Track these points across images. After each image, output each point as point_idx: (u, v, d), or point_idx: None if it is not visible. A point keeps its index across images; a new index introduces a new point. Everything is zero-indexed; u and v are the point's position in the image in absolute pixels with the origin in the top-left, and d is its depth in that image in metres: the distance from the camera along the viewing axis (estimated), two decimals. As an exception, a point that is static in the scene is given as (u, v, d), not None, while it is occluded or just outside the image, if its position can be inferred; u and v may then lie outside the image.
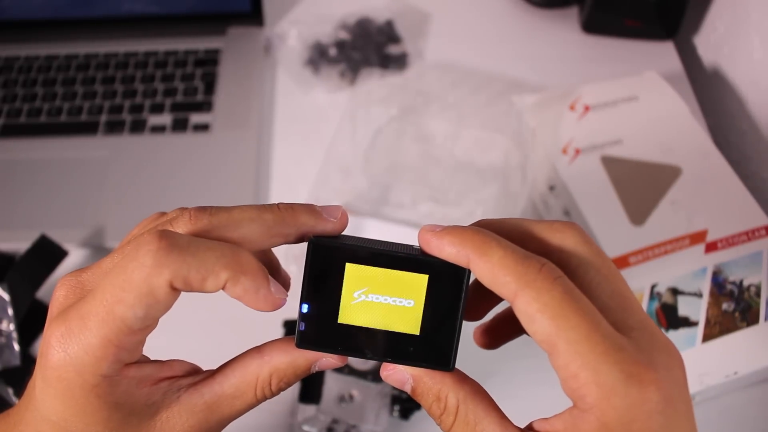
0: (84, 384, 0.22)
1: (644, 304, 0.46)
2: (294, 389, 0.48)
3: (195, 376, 0.26)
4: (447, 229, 0.24)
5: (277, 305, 0.24)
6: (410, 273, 0.24)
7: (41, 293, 0.55)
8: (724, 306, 0.46)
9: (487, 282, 0.23)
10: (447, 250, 0.23)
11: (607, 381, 0.21)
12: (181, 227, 0.23)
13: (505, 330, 0.28)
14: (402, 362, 0.25)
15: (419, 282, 0.24)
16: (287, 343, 0.26)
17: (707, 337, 0.45)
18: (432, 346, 0.24)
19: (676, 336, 0.45)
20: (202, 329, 0.54)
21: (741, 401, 0.49)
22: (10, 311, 0.50)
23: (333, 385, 0.47)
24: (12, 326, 0.50)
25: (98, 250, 0.59)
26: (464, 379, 0.25)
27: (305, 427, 0.47)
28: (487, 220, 0.25)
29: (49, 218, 0.59)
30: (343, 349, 0.25)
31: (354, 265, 0.24)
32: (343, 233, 0.26)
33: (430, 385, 0.25)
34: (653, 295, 0.47)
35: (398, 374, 0.25)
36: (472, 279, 0.25)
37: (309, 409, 0.47)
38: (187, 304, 0.57)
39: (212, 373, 0.26)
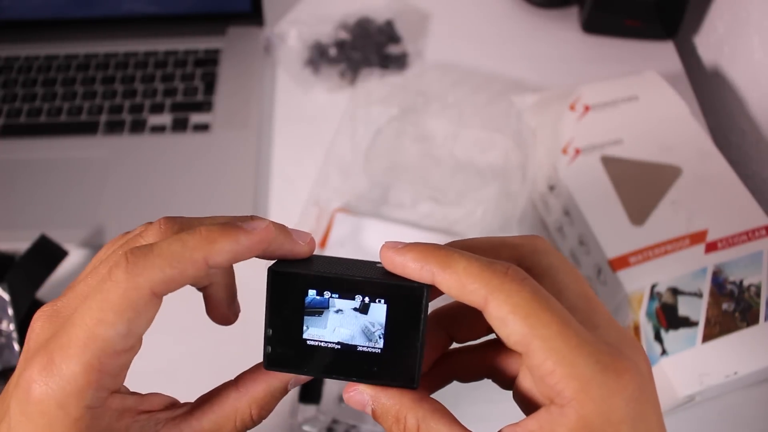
0: (66, 418, 0.22)
1: (644, 304, 0.46)
2: (294, 390, 0.49)
3: (172, 410, 0.26)
4: (409, 246, 0.24)
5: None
6: (370, 295, 0.24)
7: (41, 293, 0.55)
8: (724, 306, 0.46)
9: (456, 293, 0.23)
10: (410, 267, 0.24)
11: (584, 373, 0.21)
12: (151, 238, 0.24)
13: (435, 380, 0.28)
14: (367, 381, 0.25)
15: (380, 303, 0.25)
16: (260, 370, 0.26)
17: (707, 337, 0.45)
18: (396, 365, 0.25)
19: (676, 336, 0.45)
20: (191, 334, 0.54)
21: (741, 401, 0.49)
22: (10, 311, 0.50)
23: (333, 385, 0.47)
24: (12, 326, 0.50)
25: (98, 250, 0.59)
26: (423, 398, 0.25)
27: (305, 427, 0.47)
28: (455, 241, 0.26)
29: (49, 218, 0.59)
30: (309, 369, 0.25)
31: (313, 290, 0.25)
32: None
33: (389, 406, 0.25)
34: (653, 295, 0.47)
35: (358, 396, 0.25)
36: (442, 299, 0.25)
37: (309, 409, 0.47)
38: (178, 309, 0.57)
39: (190, 409, 0.26)
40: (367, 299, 0.24)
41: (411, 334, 0.24)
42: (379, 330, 0.25)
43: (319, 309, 0.25)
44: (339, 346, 0.25)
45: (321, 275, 0.25)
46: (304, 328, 0.25)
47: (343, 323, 0.25)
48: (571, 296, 0.24)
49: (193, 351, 0.53)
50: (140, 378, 0.53)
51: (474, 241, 0.26)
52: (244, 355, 0.54)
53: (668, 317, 0.46)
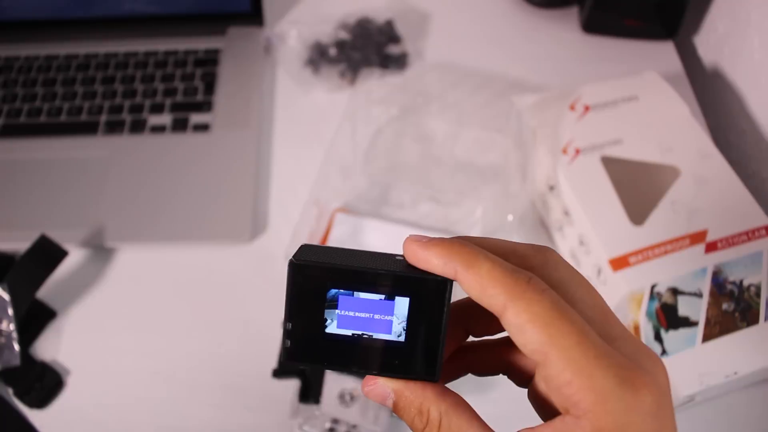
0: None
1: (644, 304, 0.46)
2: (294, 389, 0.48)
3: None
4: (433, 241, 0.24)
5: None
6: (393, 288, 0.24)
7: (41, 293, 0.55)
8: (724, 306, 0.46)
9: (476, 295, 0.23)
10: (434, 262, 0.24)
11: (602, 386, 0.21)
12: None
13: (450, 372, 0.29)
14: (388, 375, 0.25)
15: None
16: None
17: (707, 337, 0.45)
18: (417, 358, 0.25)
19: (676, 336, 0.45)
20: (191, 334, 0.54)
21: (741, 401, 0.49)
22: (10, 311, 0.50)
23: (333, 385, 0.47)
24: (12, 326, 0.50)
25: (98, 250, 0.59)
26: (445, 392, 0.25)
27: (305, 427, 0.47)
28: (469, 237, 0.26)
29: (49, 218, 0.59)
30: (329, 363, 0.25)
31: (335, 282, 0.24)
32: (326, 245, 0.26)
33: (412, 398, 0.25)
34: (653, 295, 0.47)
35: (379, 389, 0.25)
36: (458, 297, 0.25)
37: (309, 409, 0.47)
38: (177, 310, 0.57)
39: None
40: (390, 292, 0.24)
41: (433, 328, 0.24)
42: (401, 323, 0.24)
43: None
44: (360, 340, 0.25)
45: (344, 268, 0.24)
46: (326, 321, 0.25)
47: (365, 316, 0.25)
48: (585, 309, 0.24)
49: (193, 351, 0.53)
50: (140, 378, 0.53)
51: (485, 241, 0.25)
52: (244, 355, 0.54)
53: (668, 317, 0.46)
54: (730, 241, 0.49)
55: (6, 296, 0.50)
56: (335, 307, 0.25)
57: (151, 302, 0.56)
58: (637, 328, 0.46)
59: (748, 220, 0.50)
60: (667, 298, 0.46)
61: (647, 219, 0.50)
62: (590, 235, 0.50)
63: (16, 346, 0.50)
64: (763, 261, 0.48)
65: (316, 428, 0.46)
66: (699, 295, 0.46)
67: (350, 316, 0.25)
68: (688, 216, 0.50)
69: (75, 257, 0.58)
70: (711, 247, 0.48)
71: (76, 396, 0.51)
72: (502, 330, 0.26)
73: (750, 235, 0.49)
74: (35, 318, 0.54)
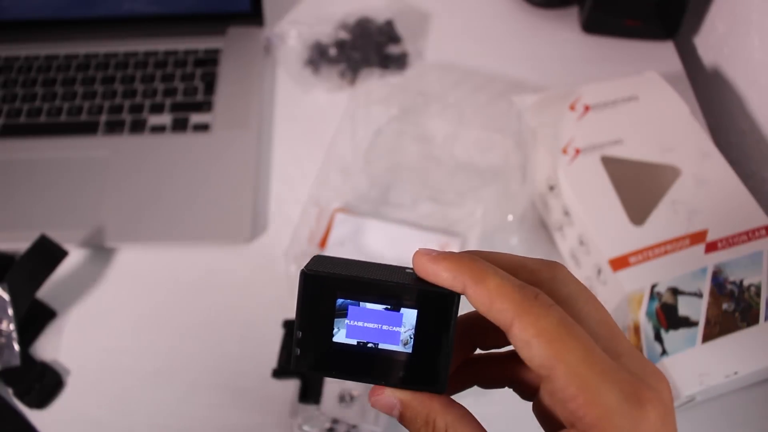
0: None
1: (644, 304, 0.46)
2: (294, 389, 0.49)
3: None
4: (443, 255, 0.24)
5: None
6: (402, 299, 0.25)
7: (41, 293, 0.55)
8: (725, 306, 0.46)
9: (484, 309, 0.23)
10: (443, 276, 0.24)
11: (608, 401, 0.21)
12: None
13: (456, 384, 0.29)
14: (395, 385, 0.25)
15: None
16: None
17: (707, 337, 0.45)
18: (424, 370, 0.25)
19: (676, 336, 0.45)
20: (191, 334, 0.54)
21: (741, 401, 0.49)
22: (10, 311, 0.50)
23: (333, 385, 0.47)
24: (12, 326, 0.50)
25: (98, 250, 0.59)
26: (451, 404, 0.25)
27: (305, 427, 0.47)
28: (478, 251, 0.26)
29: (49, 218, 0.59)
30: (337, 372, 0.25)
31: (344, 292, 0.25)
32: (335, 256, 0.27)
33: (419, 409, 0.25)
34: (653, 295, 0.47)
35: (386, 399, 0.25)
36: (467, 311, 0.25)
37: (309, 409, 0.47)
38: (177, 310, 0.57)
39: None
40: (398, 303, 0.25)
41: (440, 340, 0.25)
42: (408, 334, 0.25)
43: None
44: (368, 350, 0.25)
45: (354, 278, 0.25)
46: (335, 330, 0.25)
47: (373, 327, 0.25)
48: (592, 324, 0.24)
49: (193, 351, 0.53)
50: (140, 378, 0.53)
51: (494, 255, 0.26)
52: (244, 355, 0.54)
53: (668, 317, 0.46)
54: (730, 241, 0.49)
55: (6, 296, 0.50)
56: (344, 316, 0.25)
57: (151, 302, 0.56)
58: (637, 328, 0.46)
59: (748, 220, 0.50)
60: (667, 298, 0.46)
61: (647, 219, 0.50)
62: (590, 235, 0.50)
63: (16, 346, 0.50)
64: (763, 261, 0.48)
65: (316, 428, 0.46)
66: (699, 295, 0.46)
67: (359, 326, 0.25)
68: (688, 216, 0.50)
69: (75, 257, 0.58)
70: (711, 247, 0.48)
71: (76, 396, 0.51)
72: (509, 343, 0.27)
73: (750, 235, 0.49)
74: (35, 318, 0.54)
